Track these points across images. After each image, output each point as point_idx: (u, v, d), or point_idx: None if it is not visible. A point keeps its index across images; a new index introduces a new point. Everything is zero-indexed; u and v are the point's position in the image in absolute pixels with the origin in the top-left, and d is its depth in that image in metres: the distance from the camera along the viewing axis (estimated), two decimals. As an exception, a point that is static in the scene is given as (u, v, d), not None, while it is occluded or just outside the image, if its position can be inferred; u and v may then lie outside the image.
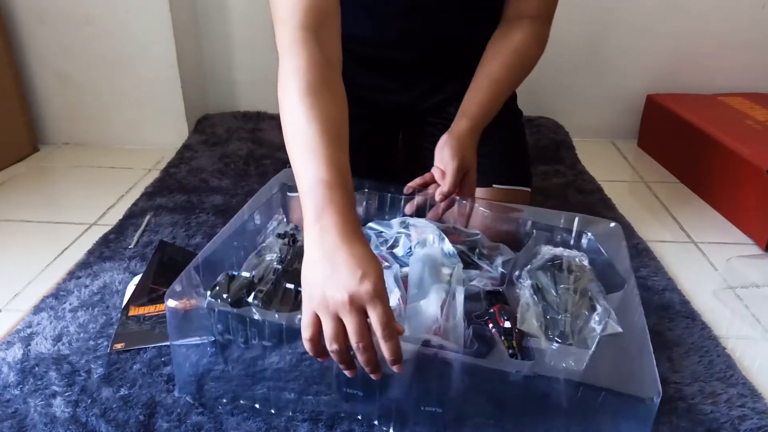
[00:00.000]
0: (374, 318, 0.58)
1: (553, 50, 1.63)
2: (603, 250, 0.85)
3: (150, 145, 1.62)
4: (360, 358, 0.59)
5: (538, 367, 0.64)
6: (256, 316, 0.65)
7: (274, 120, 1.72)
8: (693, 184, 1.42)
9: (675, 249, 1.15)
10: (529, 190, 1.07)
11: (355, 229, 0.63)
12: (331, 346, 0.59)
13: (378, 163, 1.09)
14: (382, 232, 0.85)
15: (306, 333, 0.60)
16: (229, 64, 1.73)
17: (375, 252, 0.78)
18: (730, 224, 1.25)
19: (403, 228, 0.85)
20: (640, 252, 1.10)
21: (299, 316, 0.66)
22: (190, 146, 1.57)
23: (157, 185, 1.35)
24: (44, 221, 1.23)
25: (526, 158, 1.10)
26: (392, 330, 0.58)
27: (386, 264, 0.78)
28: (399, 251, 0.82)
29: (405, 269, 0.76)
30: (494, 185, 1.03)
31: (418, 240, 0.82)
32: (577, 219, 0.90)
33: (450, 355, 0.63)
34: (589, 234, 0.89)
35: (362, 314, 0.58)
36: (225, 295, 0.69)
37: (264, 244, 0.81)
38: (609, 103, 1.73)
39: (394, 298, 0.70)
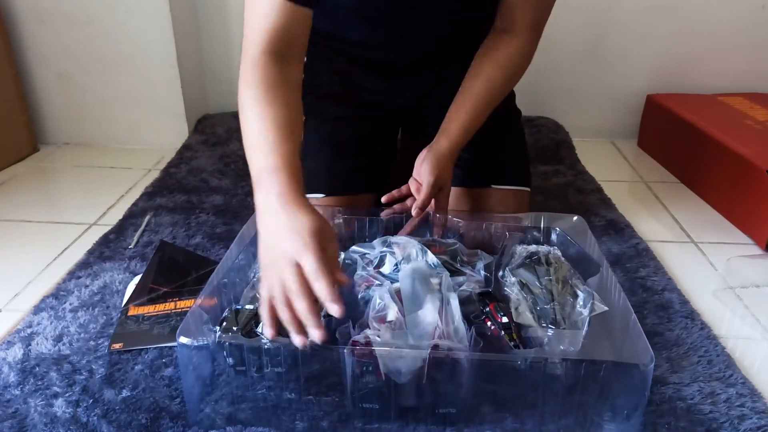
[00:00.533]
0: (304, 268, 0.61)
1: (553, 51, 1.66)
2: (573, 241, 0.90)
3: (150, 145, 1.62)
4: (289, 311, 0.61)
5: (543, 352, 0.69)
6: (268, 345, 0.67)
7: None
8: (693, 184, 1.42)
9: (675, 249, 1.15)
10: (528, 190, 1.07)
11: (295, 196, 0.66)
12: (272, 299, 0.62)
13: (378, 163, 1.09)
14: (366, 253, 0.87)
15: (263, 295, 0.64)
16: (229, 64, 1.73)
17: (362, 273, 0.82)
18: (730, 224, 1.25)
19: (386, 247, 0.87)
20: (640, 252, 1.10)
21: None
22: (190, 146, 1.57)
23: (157, 185, 1.35)
24: (44, 221, 1.23)
25: (525, 158, 1.10)
26: (320, 274, 0.60)
27: (377, 282, 0.80)
28: (386, 269, 0.84)
29: (396, 285, 0.78)
30: (493, 185, 1.03)
31: (403, 256, 0.84)
32: (543, 217, 0.94)
33: (460, 354, 0.65)
34: (558, 229, 0.93)
35: (294, 267, 0.61)
36: (235, 328, 0.71)
37: (255, 279, 0.83)
38: (609, 103, 1.73)
39: (392, 312, 0.72)
